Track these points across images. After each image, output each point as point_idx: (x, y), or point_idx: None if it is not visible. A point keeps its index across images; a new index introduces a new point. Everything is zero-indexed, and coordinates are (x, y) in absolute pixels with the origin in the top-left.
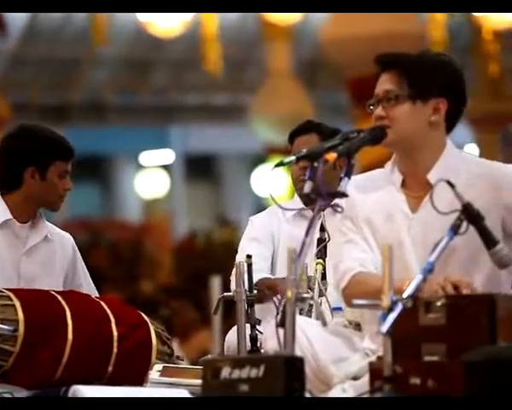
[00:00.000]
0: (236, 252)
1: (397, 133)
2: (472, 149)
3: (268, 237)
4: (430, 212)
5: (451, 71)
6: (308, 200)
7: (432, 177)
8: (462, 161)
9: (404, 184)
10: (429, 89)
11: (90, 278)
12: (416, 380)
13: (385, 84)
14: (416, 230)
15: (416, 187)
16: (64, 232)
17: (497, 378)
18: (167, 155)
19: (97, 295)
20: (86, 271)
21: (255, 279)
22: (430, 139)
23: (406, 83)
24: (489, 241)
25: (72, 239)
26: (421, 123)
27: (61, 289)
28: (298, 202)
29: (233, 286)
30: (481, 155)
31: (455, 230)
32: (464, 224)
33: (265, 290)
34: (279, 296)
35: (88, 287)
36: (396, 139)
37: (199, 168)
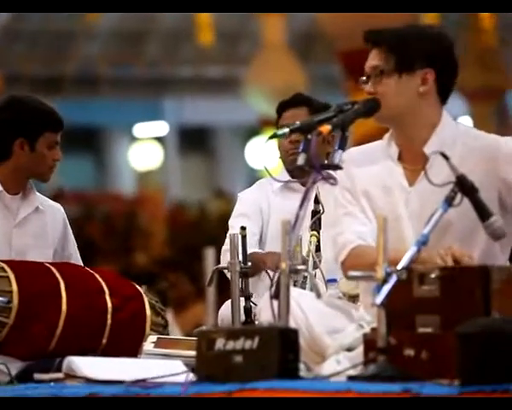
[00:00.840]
0: (227, 224)
1: (387, 108)
2: (466, 121)
3: (257, 212)
4: (427, 185)
5: (438, 41)
6: (301, 172)
7: (428, 149)
8: (458, 133)
9: (400, 157)
10: (414, 60)
11: (77, 251)
12: (409, 351)
13: (373, 60)
14: (414, 202)
15: (413, 160)
16: (55, 203)
17: (491, 350)
18: (161, 128)
19: (91, 267)
20: (75, 243)
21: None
22: (422, 111)
23: (392, 57)
24: (483, 213)
25: (62, 210)
26: (409, 95)
27: (51, 260)
28: (285, 175)
29: (224, 259)
30: (475, 128)
31: (449, 202)
32: (458, 196)
33: (253, 265)
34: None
35: (76, 258)
36: (387, 114)
37: (192, 140)
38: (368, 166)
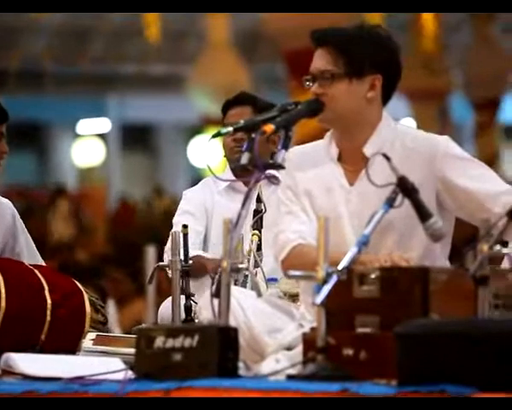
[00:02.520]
0: (172, 222)
1: (334, 111)
2: (409, 122)
3: (201, 211)
4: (367, 185)
5: (386, 46)
6: (244, 171)
7: (367, 150)
8: (397, 133)
9: (341, 158)
10: (365, 66)
11: (33, 246)
12: (348, 351)
13: (321, 61)
14: (354, 202)
15: (353, 160)
16: (3, 199)
17: (428, 351)
18: (104, 124)
19: (31, 264)
20: (29, 239)
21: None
22: (367, 115)
23: (342, 61)
24: (423, 214)
25: (12, 206)
26: (357, 100)
27: None
28: (229, 174)
29: (166, 257)
30: (419, 129)
31: (390, 203)
32: (399, 197)
33: (196, 269)
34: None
35: (30, 255)
36: (333, 117)
37: (135, 138)
38: (310, 165)
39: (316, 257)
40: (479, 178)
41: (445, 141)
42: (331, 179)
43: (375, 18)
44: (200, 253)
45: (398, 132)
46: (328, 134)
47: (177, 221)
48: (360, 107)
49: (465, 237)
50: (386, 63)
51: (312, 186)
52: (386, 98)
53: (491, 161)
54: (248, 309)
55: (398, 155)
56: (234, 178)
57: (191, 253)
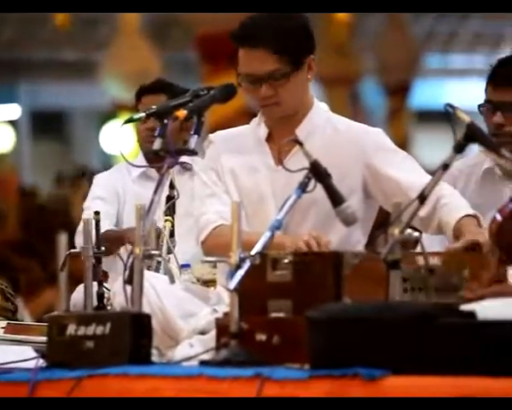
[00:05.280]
0: (81, 208)
1: (286, 110)
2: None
3: (113, 196)
4: (294, 165)
5: (306, 24)
6: (157, 157)
7: (300, 132)
8: (328, 118)
9: (270, 138)
10: (301, 53)
11: None
12: (261, 336)
13: (265, 62)
14: (279, 182)
15: (282, 141)
16: None
17: (339, 335)
18: (14, 111)
19: None
20: None
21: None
22: (304, 97)
23: (285, 58)
24: (335, 199)
25: None
26: (303, 89)
27: None
28: (142, 161)
29: (78, 240)
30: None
31: (303, 188)
32: (312, 181)
33: (111, 242)
34: (127, 247)
35: None
36: (284, 115)
37: (47, 124)
38: (235, 147)
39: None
40: (405, 169)
41: (375, 132)
42: (257, 160)
43: None
44: (114, 228)
45: (330, 117)
46: (256, 119)
47: (88, 206)
48: (305, 92)
49: (376, 221)
50: (312, 41)
51: (237, 167)
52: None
53: (403, 145)
54: (162, 294)
55: (329, 140)
56: (147, 164)
57: (103, 229)
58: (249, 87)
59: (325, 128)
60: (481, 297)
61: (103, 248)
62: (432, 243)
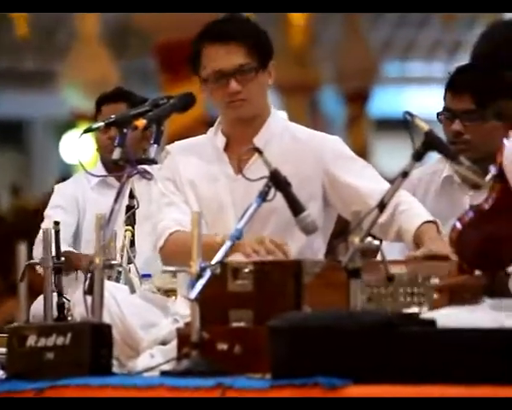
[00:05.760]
0: (42, 218)
1: (254, 107)
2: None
3: (73, 205)
4: (253, 174)
5: (266, 32)
6: (116, 166)
7: (258, 141)
8: (285, 126)
9: (228, 147)
10: (268, 55)
11: None
12: (223, 346)
13: (235, 57)
14: (239, 191)
15: (241, 150)
16: None
17: (300, 344)
18: None
19: None
20: None
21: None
22: (265, 104)
23: (255, 54)
24: (295, 207)
25: None
26: (266, 91)
27: None
28: (101, 170)
29: (36, 253)
30: (290, 121)
31: (263, 196)
32: (272, 190)
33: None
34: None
35: None
36: (253, 113)
37: (6, 134)
38: (193, 157)
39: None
40: (363, 177)
41: (334, 140)
42: (216, 169)
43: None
44: (71, 250)
45: (288, 125)
46: (213, 128)
47: (48, 215)
48: (265, 97)
49: (336, 229)
50: (272, 49)
51: (196, 177)
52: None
53: (362, 153)
54: (123, 304)
55: (287, 148)
56: (106, 173)
57: (63, 248)
58: (216, 84)
59: (283, 136)
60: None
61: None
62: (391, 251)
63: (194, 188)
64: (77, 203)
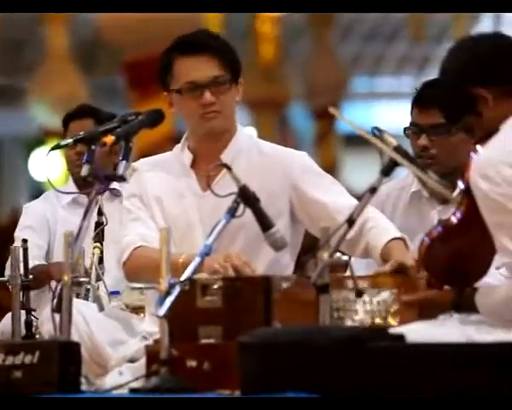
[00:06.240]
0: (12, 237)
1: (227, 120)
2: (251, 131)
3: (43, 225)
4: (221, 190)
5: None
6: (85, 183)
7: (225, 157)
8: (253, 142)
9: (195, 164)
10: (239, 69)
11: None
12: (192, 363)
13: (209, 68)
14: (206, 208)
15: (208, 166)
16: None
17: (269, 360)
18: None
19: None
20: None
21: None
22: (233, 120)
23: (228, 66)
24: (264, 223)
25: None
26: (235, 106)
27: None
28: (72, 187)
29: (6, 272)
30: (260, 138)
31: (232, 212)
32: (241, 206)
33: (37, 277)
34: (53, 282)
35: None
36: (225, 126)
37: None
38: (161, 173)
39: (157, 258)
40: (331, 193)
41: (301, 155)
42: (183, 186)
43: (214, 25)
44: (42, 262)
45: (255, 141)
46: (181, 143)
47: (18, 236)
48: (235, 112)
49: (305, 245)
50: (241, 65)
51: (163, 193)
52: None
53: (331, 169)
54: (91, 321)
55: (255, 163)
56: (77, 190)
57: (32, 264)
58: (190, 96)
59: (251, 152)
60: (417, 303)
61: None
62: (359, 267)
63: (161, 204)
64: (47, 223)
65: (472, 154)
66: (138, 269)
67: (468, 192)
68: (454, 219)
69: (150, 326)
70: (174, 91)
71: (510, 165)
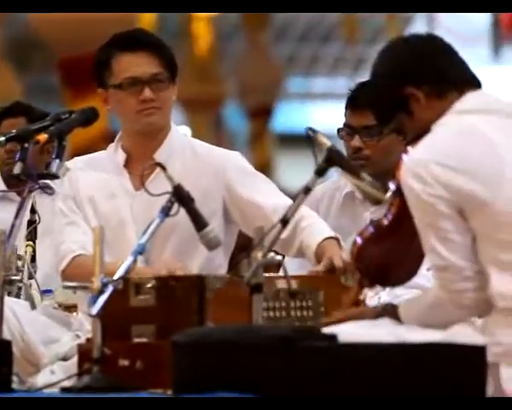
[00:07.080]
0: None
1: (165, 117)
2: (185, 130)
3: None
4: (154, 190)
5: None
6: (17, 181)
7: (158, 156)
8: (187, 141)
9: (128, 163)
10: (176, 69)
11: None
12: (124, 362)
13: (148, 65)
14: (139, 208)
15: (142, 166)
16: None
17: (202, 359)
18: None
19: None
20: None
21: None
22: (169, 120)
23: (167, 65)
24: (198, 223)
25: None
26: (172, 104)
27: None
28: (1, 185)
29: None
30: (194, 137)
31: (166, 212)
32: (175, 206)
33: None
34: None
35: None
36: (163, 123)
37: None
38: (93, 173)
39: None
40: (264, 193)
41: (235, 155)
42: (115, 185)
43: (148, 25)
44: None
45: (189, 141)
46: (114, 143)
47: None
48: (171, 111)
49: (239, 244)
50: (177, 65)
51: (95, 193)
52: None
53: (265, 168)
54: (23, 319)
55: (188, 163)
56: (6, 188)
57: None
58: (128, 92)
59: (184, 152)
60: (339, 321)
61: None
62: (292, 266)
63: (94, 204)
64: None
65: (403, 155)
66: (77, 278)
67: (398, 193)
68: (385, 220)
69: (83, 325)
70: (112, 87)
71: (441, 164)
